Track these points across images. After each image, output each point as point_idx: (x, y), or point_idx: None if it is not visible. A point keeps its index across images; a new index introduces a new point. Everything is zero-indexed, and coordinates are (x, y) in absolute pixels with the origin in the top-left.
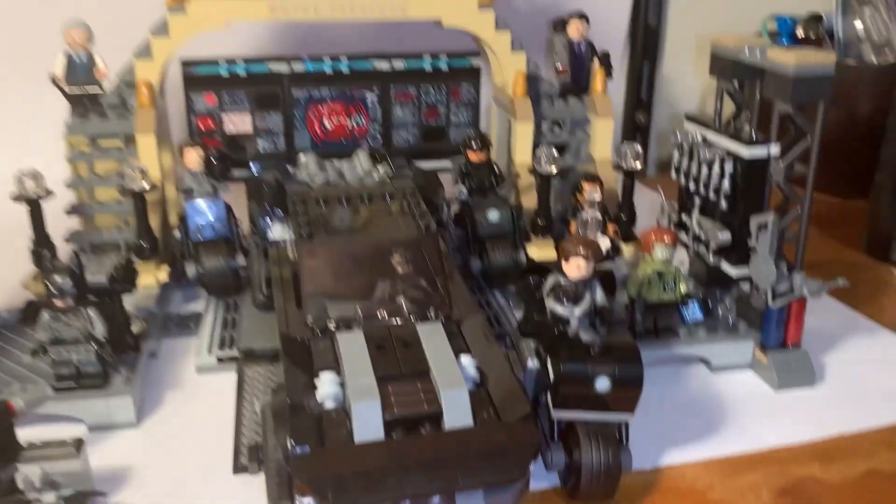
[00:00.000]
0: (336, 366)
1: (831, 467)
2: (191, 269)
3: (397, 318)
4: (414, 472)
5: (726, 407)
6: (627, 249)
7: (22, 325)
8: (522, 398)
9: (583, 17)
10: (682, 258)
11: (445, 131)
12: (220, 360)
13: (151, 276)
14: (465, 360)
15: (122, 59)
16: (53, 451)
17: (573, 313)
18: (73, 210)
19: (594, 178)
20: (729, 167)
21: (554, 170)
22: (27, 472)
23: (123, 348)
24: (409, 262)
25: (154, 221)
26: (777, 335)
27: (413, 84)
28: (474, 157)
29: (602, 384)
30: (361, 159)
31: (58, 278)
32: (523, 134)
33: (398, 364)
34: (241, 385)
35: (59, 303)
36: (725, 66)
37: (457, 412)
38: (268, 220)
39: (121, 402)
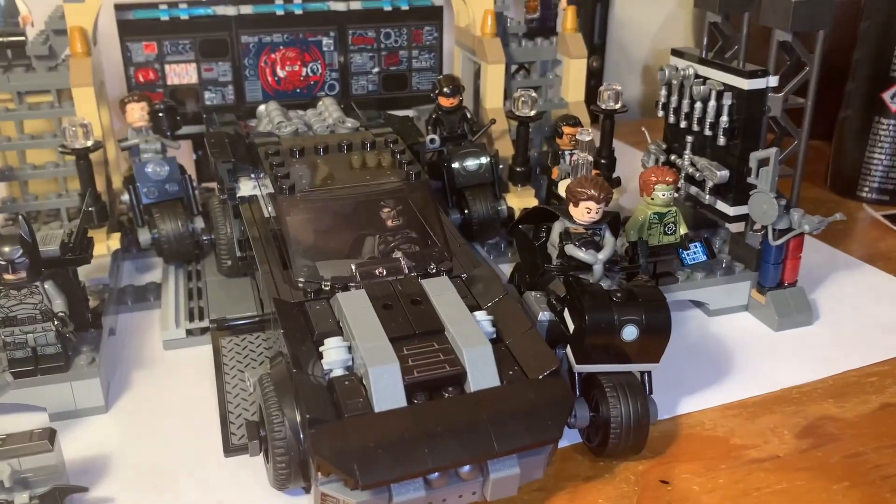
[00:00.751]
0: (339, 329)
1: (846, 404)
2: (144, 236)
3: (397, 275)
4: (443, 439)
5: (730, 350)
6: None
7: None
8: (548, 352)
9: None
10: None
11: (407, 78)
12: (189, 332)
13: (102, 245)
14: (480, 315)
15: (49, 3)
16: (22, 444)
17: (597, 259)
18: (3, 175)
19: (576, 122)
20: (727, 101)
21: (532, 113)
22: None
23: (83, 326)
24: (401, 214)
25: (100, 182)
26: (775, 275)
27: (372, 27)
28: (446, 102)
29: (629, 333)
30: (329, 107)
31: (6, 249)
32: (494, 77)
33: (409, 323)
34: (219, 357)
35: (9, 276)
36: None
37: (482, 372)
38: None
39: (87, 385)
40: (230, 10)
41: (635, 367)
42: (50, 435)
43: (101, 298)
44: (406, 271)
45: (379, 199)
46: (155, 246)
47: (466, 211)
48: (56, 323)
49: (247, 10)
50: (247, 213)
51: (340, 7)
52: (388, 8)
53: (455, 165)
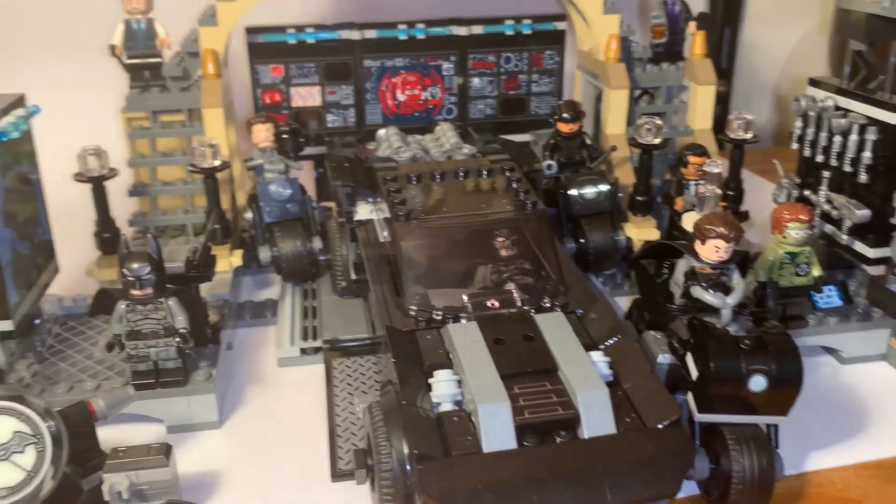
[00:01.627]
0: (449, 361)
1: None
2: (265, 253)
3: (510, 308)
4: (553, 486)
5: (866, 403)
6: None
7: (90, 316)
8: (668, 400)
9: None
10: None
11: (526, 102)
12: (302, 351)
13: (225, 261)
14: (596, 356)
15: (186, 27)
16: (140, 458)
17: (726, 303)
18: (136, 191)
19: (702, 151)
20: (871, 136)
21: (657, 141)
22: (113, 482)
23: (202, 341)
24: (516, 244)
25: (226, 201)
26: None
27: (492, 51)
28: (565, 128)
29: (757, 384)
30: (446, 132)
31: (135, 265)
32: (617, 102)
33: (521, 360)
34: (331, 378)
35: (136, 292)
36: (856, 23)
37: (597, 417)
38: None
39: (203, 400)
40: (355, 35)
41: (762, 420)
42: (166, 450)
43: (221, 314)
44: (519, 304)
45: (494, 227)
46: (274, 264)
47: (582, 240)
48: (177, 340)
49: (371, 34)
50: (363, 236)
51: (462, 31)
52: (509, 32)
53: (572, 192)
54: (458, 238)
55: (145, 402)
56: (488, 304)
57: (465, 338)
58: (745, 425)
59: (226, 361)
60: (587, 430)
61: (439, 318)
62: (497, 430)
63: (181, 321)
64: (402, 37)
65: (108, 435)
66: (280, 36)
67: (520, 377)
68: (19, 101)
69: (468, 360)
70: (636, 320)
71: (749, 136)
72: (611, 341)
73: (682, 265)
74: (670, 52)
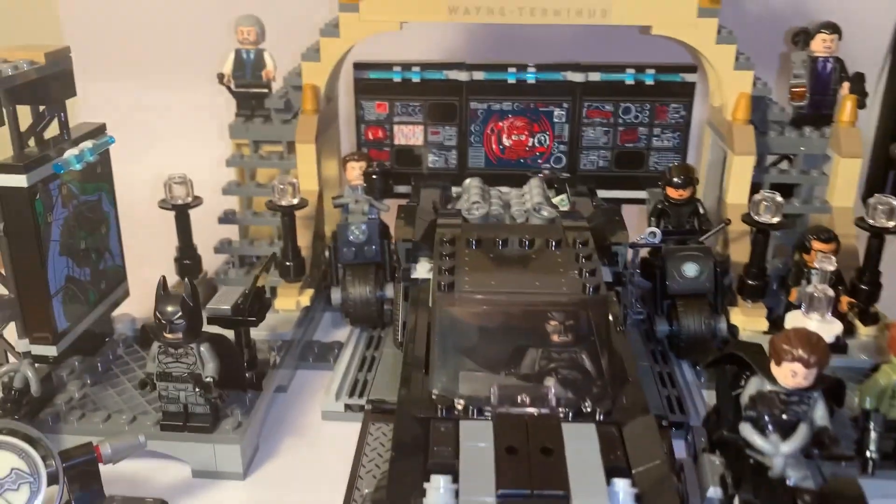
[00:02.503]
0: (454, 465)
1: None
2: (336, 295)
3: (541, 408)
4: None
5: None
6: (865, 333)
7: (140, 347)
8: None
9: (833, 28)
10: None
11: (644, 157)
12: (347, 407)
13: (292, 300)
14: (621, 485)
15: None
16: None
17: (778, 451)
18: (226, 218)
19: (828, 237)
20: None
21: (775, 220)
22: None
23: (241, 386)
24: (571, 330)
25: (305, 237)
26: None
27: (610, 100)
28: (674, 193)
29: None
30: (533, 189)
31: (168, 309)
32: (741, 169)
33: (529, 478)
34: (362, 444)
35: (168, 336)
36: None
37: None
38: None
39: (228, 450)
40: (462, 76)
41: None
42: None
43: (272, 357)
44: (553, 404)
45: (544, 310)
46: (343, 307)
47: (675, 323)
48: (197, 390)
49: (479, 76)
50: (415, 296)
51: (577, 78)
52: (630, 81)
53: (669, 267)
54: (503, 317)
55: (174, 443)
56: (518, 399)
57: (475, 440)
58: None
59: (273, 405)
60: None
61: (461, 407)
62: None
63: (210, 368)
64: (511, 80)
65: (136, 469)
66: (386, 73)
67: (522, 500)
68: (95, 132)
69: (468, 469)
70: (710, 431)
71: (892, 224)
72: (645, 467)
73: (753, 385)
74: (819, 114)
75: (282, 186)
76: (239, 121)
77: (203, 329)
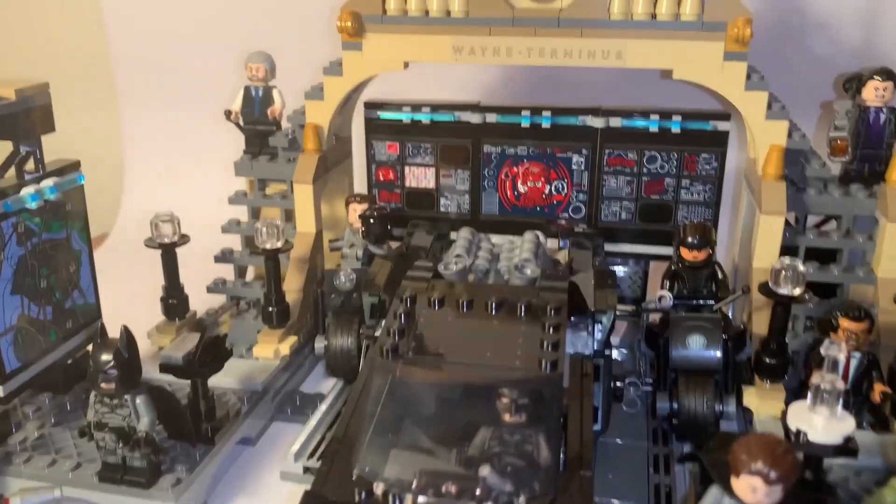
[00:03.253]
0: None
1: None
2: (319, 344)
3: (468, 501)
4: None
5: None
6: None
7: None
8: None
9: (888, 75)
10: None
11: (672, 210)
12: (307, 469)
13: (271, 348)
14: None
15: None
16: None
17: None
18: (223, 257)
19: (859, 315)
20: None
21: (796, 292)
22: None
23: (191, 440)
24: (521, 411)
25: (296, 281)
26: None
27: (633, 147)
28: (689, 255)
29: None
30: (524, 244)
31: (102, 358)
32: (769, 231)
33: None
34: None
35: (103, 385)
36: None
37: None
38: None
39: None
40: (475, 118)
41: None
42: None
43: (237, 410)
44: (483, 498)
45: (492, 386)
46: (325, 357)
47: (677, 401)
48: (121, 445)
49: (492, 118)
50: (371, 357)
51: (597, 123)
52: (654, 129)
53: (673, 338)
54: (449, 390)
55: (112, 496)
56: (443, 488)
57: None
58: None
59: (238, 459)
60: None
61: (380, 491)
62: None
63: (144, 423)
64: (525, 124)
65: None
66: (396, 113)
67: None
68: (65, 170)
69: None
70: None
71: None
72: None
73: (711, 497)
74: (870, 171)
75: (265, 229)
76: (245, 158)
77: (143, 379)
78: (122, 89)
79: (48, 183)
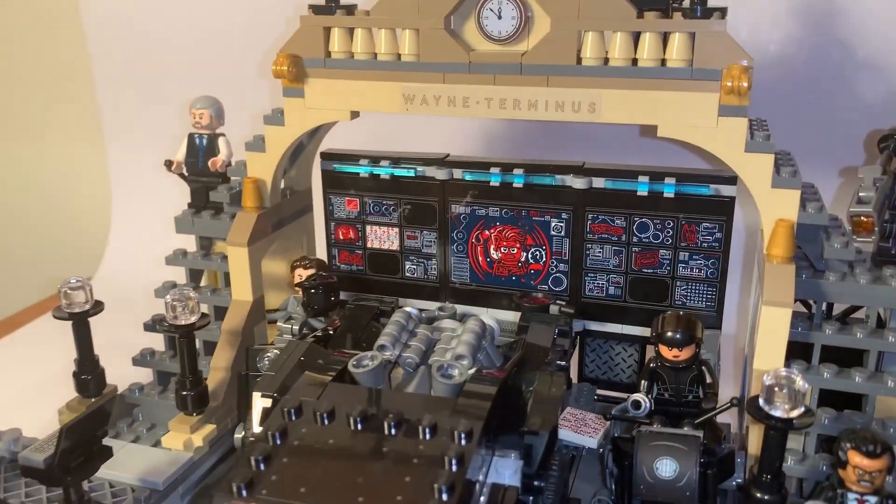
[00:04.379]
0: None
1: None
2: (238, 434)
3: None
4: None
5: None
6: None
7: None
8: None
9: None
10: None
11: (668, 287)
12: None
13: (180, 438)
14: None
15: None
16: None
17: None
18: (154, 324)
19: (874, 450)
20: None
21: (794, 414)
22: None
23: None
24: None
25: (223, 358)
26: None
27: (621, 213)
28: (668, 353)
29: None
30: (465, 335)
31: None
32: (771, 326)
33: None
34: None
35: None
36: None
37: None
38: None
39: None
40: (440, 174)
41: None
42: None
43: None
44: None
45: None
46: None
47: None
48: None
49: (458, 174)
50: None
51: (578, 184)
52: (642, 192)
53: (639, 460)
54: None
55: None
56: None
57: None
58: None
59: None
60: None
61: None
62: None
63: None
64: (495, 182)
65: None
66: (353, 166)
67: None
68: None
69: None
70: None
71: None
72: None
73: None
74: None
75: (175, 303)
76: (187, 213)
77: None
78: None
79: None
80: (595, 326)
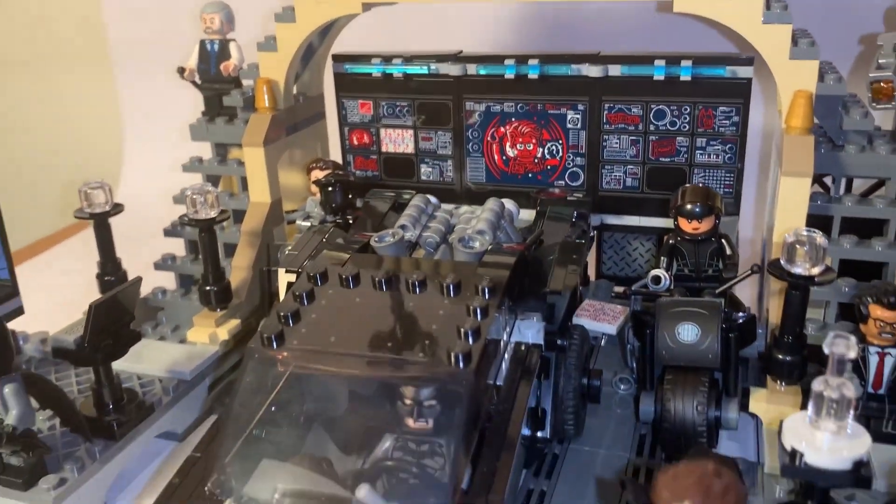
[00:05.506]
0: None
1: None
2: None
3: None
4: None
5: None
6: None
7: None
8: None
9: None
10: None
11: (686, 175)
12: None
13: (206, 331)
14: None
15: None
16: None
17: None
18: (172, 231)
19: (895, 301)
20: None
21: (815, 271)
22: None
23: (85, 435)
24: (430, 413)
25: (245, 257)
26: None
27: (638, 101)
28: (687, 226)
29: None
30: (484, 213)
31: None
32: (792, 196)
33: None
34: None
35: None
36: None
37: None
38: None
39: None
40: (454, 70)
41: None
42: None
43: (151, 400)
44: None
45: (389, 383)
46: None
47: (663, 406)
48: None
49: (473, 69)
50: None
51: (594, 72)
52: (659, 76)
53: (661, 328)
54: (333, 391)
55: None
56: None
57: None
58: None
59: (155, 457)
60: None
61: None
62: None
63: (12, 416)
64: (510, 74)
65: None
66: (365, 67)
67: None
68: None
69: None
70: None
71: None
72: None
73: None
74: None
75: (196, 196)
76: (201, 121)
77: (18, 366)
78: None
79: None
80: (612, 220)
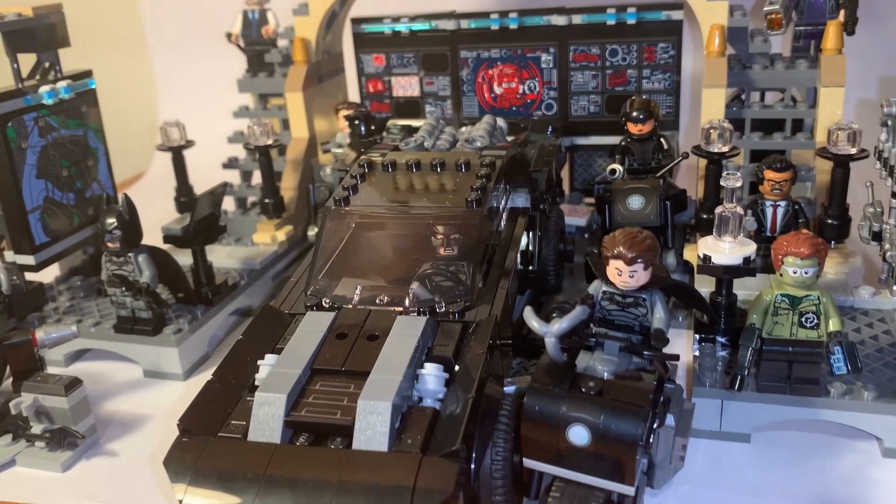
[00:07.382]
0: None
1: None
2: (311, 231)
3: (397, 306)
4: (280, 491)
5: None
6: (832, 270)
7: None
8: (457, 429)
9: None
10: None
11: None
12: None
13: (268, 235)
14: (431, 368)
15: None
16: (46, 384)
17: (547, 331)
18: (229, 164)
19: (782, 166)
20: None
21: (726, 149)
22: (20, 400)
23: (192, 299)
24: (455, 244)
25: (292, 179)
26: None
27: (595, 42)
28: (635, 128)
29: (578, 436)
30: (481, 125)
31: (107, 220)
32: (711, 103)
33: (344, 359)
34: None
35: (108, 245)
36: None
37: (370, 431)
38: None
39: (169, 353)
40: (450, 25)
41: (599, 483)
42: (68, 383)
43: (233, 281)
44: (407, 304)
45: (425, 224)
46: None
47: None
48: (129, 292)
49: (465, 24)
50: None
51: (561, 21)
52: (611, 22)
53: (615, 201)
54: (383, 231)
55: (125, 344)
56: (377, 299)
57: (310, 327)
58: (581, 486)
59: (235, 324)
60: (356, 442)
61: (328, 306)
62: (265, 422)
63: (147, 276)
64: (495, 27)
65: (96, 368)
66: (378, 26)
67: (331, 375)
68: (79, 76)
69: (292, 348)
70: None
71: (854, 150)
72: (469, 357)
73: (594, 287)
74: (818, 49)
75: (256, 128)
76: (247, 76)
77: (144, 243)
78: (151, 37)
79: (62, 84)
80: (581, 141)
